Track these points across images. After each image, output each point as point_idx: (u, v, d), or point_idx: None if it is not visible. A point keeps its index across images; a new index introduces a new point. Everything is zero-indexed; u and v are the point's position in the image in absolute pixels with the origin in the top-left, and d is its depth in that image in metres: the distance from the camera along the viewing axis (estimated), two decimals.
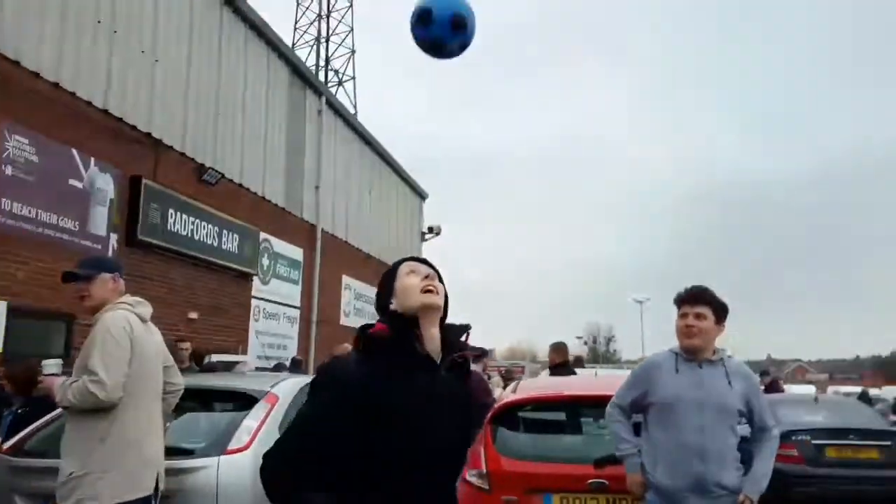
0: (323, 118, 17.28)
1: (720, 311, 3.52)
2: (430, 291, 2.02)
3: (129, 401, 3.41)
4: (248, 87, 13.91)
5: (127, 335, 3.46)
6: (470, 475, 4.47)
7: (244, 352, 13.26)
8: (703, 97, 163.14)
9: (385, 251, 21.69)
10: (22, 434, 4.44)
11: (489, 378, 10.14)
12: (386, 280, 2.12)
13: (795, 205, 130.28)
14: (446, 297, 2.10)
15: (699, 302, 3.51)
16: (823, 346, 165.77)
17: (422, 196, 25.80)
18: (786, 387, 19.47)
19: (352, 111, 27.40)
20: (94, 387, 3.30)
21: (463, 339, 2.08)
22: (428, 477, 1.95)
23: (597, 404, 4.59)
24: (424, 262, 2.15)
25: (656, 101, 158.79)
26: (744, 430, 3.56)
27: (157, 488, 3.47)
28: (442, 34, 2.56)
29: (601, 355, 62.20)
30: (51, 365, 3.74)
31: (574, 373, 7.91)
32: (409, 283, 2.05)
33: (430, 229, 25.84)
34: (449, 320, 2.10)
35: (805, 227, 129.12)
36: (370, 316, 20.40)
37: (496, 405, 4.91)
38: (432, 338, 2.01)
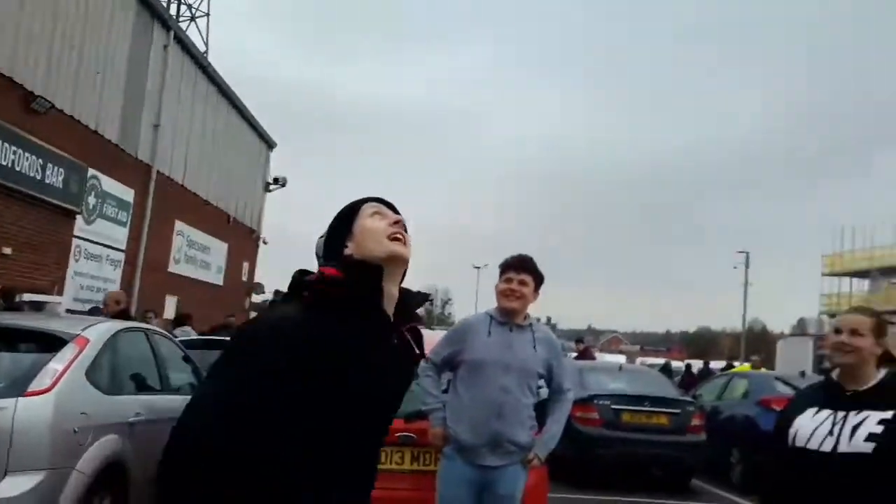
0: (169, 54, 16.56)
1: (539, 281, 3.73)
2: (398, 240, 1.67)
3: None
4: (88, 13, 13.12)
5: None
6: None
7: (59, 293, 12.70)
8: (571, 76, 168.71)
9: (225, 198, 21.22)
10: None
11: None
12: (341, 218, 1.75)
13: (636, 192, 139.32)
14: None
15: (523, 269, 3.69)
16: (639, 319, 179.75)
17: (269, 145, 25.29)
18: (598, 355, 20.85)
19: (202, 49, 26.24)
20: None
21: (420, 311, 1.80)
22: (365, 453, 1.66)
23: None
24: (391, 206, 1.78)
25: (522, 74, 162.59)
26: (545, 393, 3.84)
27: None
28: None
29: (435, 317, 64.44)
30: None
31: None
32: (373, 225, 1.69)
33: (276, 180, 25.42)
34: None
35: (639, 213, 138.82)
36: (201, 264, 19.98)
37: None
38: (391, 297, 1.66)
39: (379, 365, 1.58)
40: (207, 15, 36.54)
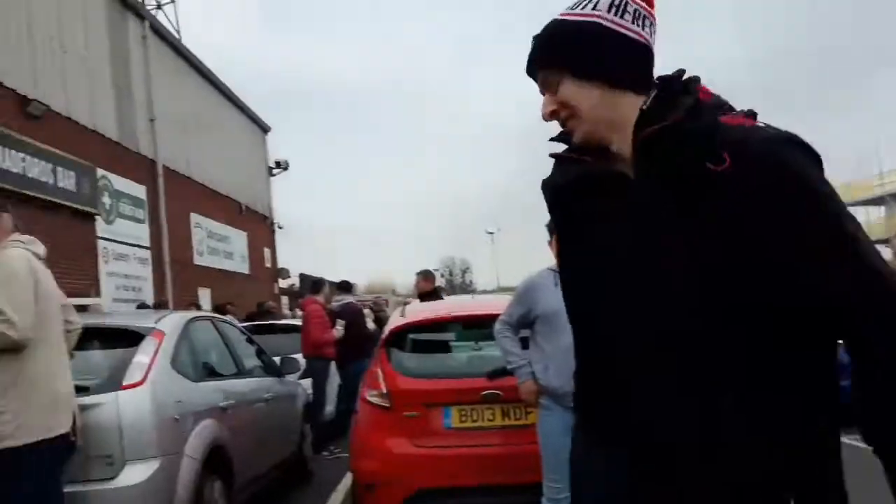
0: (149, 45, 15.99)
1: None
2: (562, 124, 1.46)
3: (38, 341, 3.33)
4: (61, 12, 12.59)
5: (30, 273, 3.36)
6: (370, 395, 4.59)
7: (97, 294, 12.43)
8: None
9: (233, 188, 20.82)
10: None
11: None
12: None
13: None
14: (604, 56, 1.37)
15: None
16: None
17: (264, 129, 24.81)
18: None
19: (175, 35, 25.58)
20: (4, 326, 3.19)
21: None
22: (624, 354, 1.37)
23: (482, 322, 4.83)
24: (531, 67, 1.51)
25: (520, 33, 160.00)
26: None
27: (74, 424, 3.46)
28: None
29: (458, 286, 64.31)
30: None
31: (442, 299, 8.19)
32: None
33: (278, 164, 24.94)
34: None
35: None
36: (224, 254, 19.69)
37: (388, 329, 5.02)
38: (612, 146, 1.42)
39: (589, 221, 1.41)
40: (173, 1, 35.68)
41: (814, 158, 1.21)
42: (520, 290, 4.07)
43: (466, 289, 61.73)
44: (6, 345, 3.20)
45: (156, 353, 4.20)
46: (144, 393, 3.94)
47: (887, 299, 1.12)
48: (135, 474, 3.75)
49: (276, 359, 6.65)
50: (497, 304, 4.62)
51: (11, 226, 3.59)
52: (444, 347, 5.11)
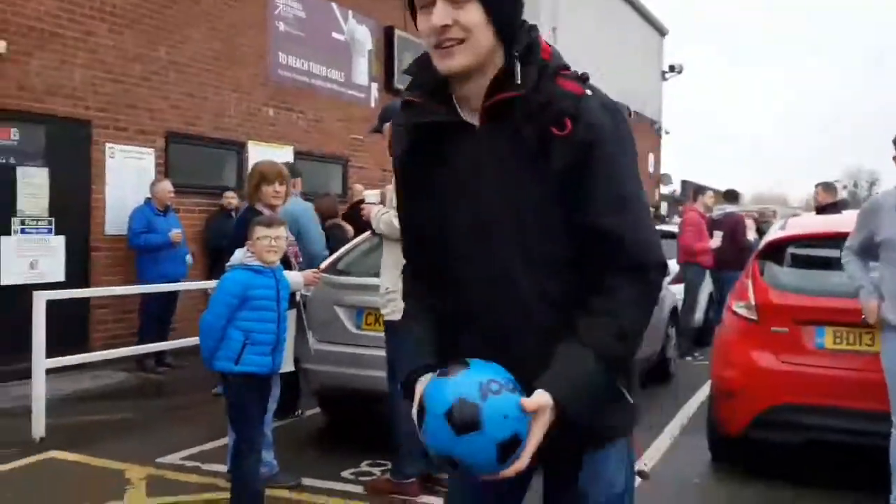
0: None
1: None
2: (446, 49, 1.44)
3: None
4: None
5: None
6: (737, 307, 4.58)
7: None
8: None
9: (623, 93, 20.94)
10: (335, 255, 5.26)
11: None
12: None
13: None
14: (507, 11, 1.48)
15: None
16: None
17: (661, 32, 24.23)
18: None
19: None
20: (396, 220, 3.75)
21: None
22: (466, 282, 1.56)
23: None
24: None
25: None
26: None
27: None
28: (437, 438, 1.39)
29: (863, 200, 57.03)
30: (371, 195, 4.33)
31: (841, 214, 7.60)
32: (420, 28, 1.54)
33: (672, 68, 24.39)
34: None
35: None
36: None
37: (765, 241, 4.89)
38: (465, 92, 1.52)
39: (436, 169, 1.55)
40: None
41: (622, 118, 1.50)
42: (861, 210, 3.85)
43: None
44: (390, 233, 3.76)
45: None
46: None
47: (635, 250, 1.46)
48: None
49: None
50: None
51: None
52: (822, 264, 4.80)
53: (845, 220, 5.71)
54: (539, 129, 1.43)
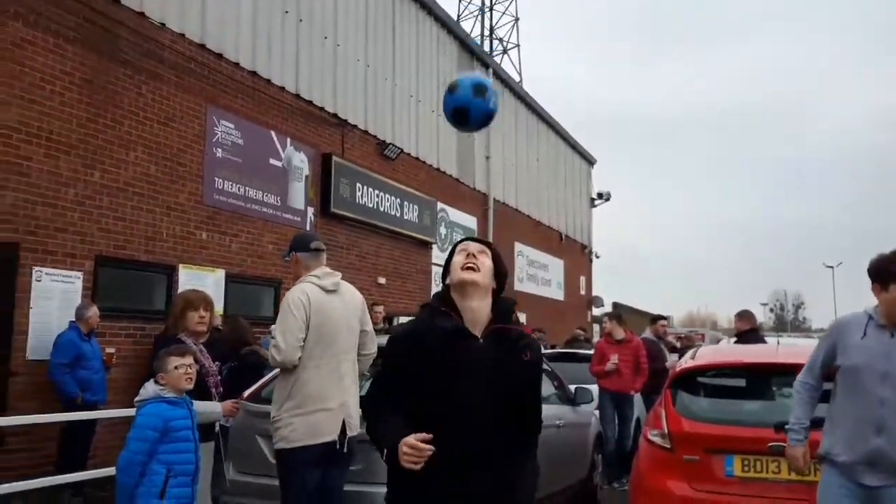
0: None
1: None
2: (469, 269, 2.41)
3: (308, 361, 3.88)
4: (420, 65, 14.53)
5: (303, 306, 3.91)
6: (652, 435, 4.71)
7: None
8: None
9: (555, 218, 21.84)
10: (258, 384, 5.23)
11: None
12: (447, 257, 2.53)
13: None
14: (503, 272, 2.52)
15: None
16: None
17: (590, 161, 25.57)
18: None
19: (517, 79, 27.50)
20: (274, 350, 3.90)
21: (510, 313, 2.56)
22: (463, 425, 2.33)
23: (776, 373, 4.67)
24: (478, 240, 2.57)
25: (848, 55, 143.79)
26: None
27: (343, 434, 3.92)
28: (465, 96, 3.05)
29: (789, 323, 58.81)
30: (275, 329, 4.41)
31: (763, 340, 7.92)
32: (455, 260, 2.46)
33: (600, 195, 25.60)
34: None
35: None
36: (542, 282, 20.75)
37: (675, 370, 5.10)
38: (470, 310, 2.42)
39: (452, 358, 2.37)
40: (518, 46, 38.45)
41: (540, 351, 2.58)
42: (826, 330, 3.77)
43: (799, 326, 56.08)
44: (276, 364, 3.91)
45: None
46: None
47: (535, 427, 2.58)
48: None
49: (572, 387, 6.98)
50: (799, 353, 4.46)
51: (306, 266, 4.11)
52: (731, 393, 5.02)
53: (751, 351, 6.06)
54: (517, 354, 2.49)
